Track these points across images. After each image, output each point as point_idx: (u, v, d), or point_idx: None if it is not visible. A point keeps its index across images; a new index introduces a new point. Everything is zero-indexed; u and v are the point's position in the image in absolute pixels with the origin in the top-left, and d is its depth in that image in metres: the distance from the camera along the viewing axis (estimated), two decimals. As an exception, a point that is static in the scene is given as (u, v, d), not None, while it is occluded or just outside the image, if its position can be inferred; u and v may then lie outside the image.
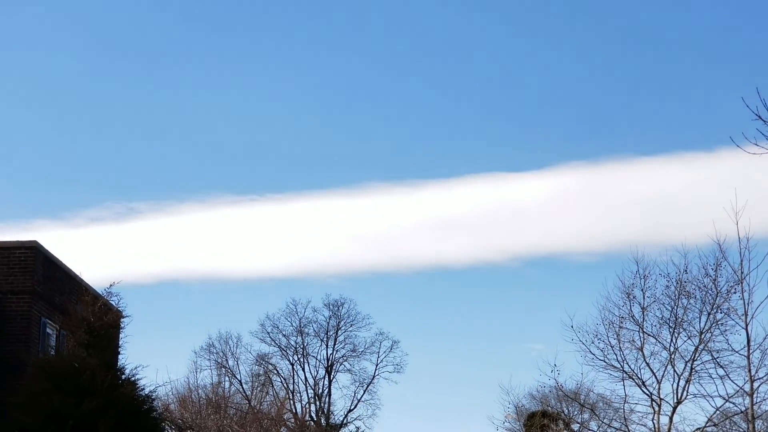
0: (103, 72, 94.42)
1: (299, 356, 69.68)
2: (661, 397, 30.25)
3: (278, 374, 68.55)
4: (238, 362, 66.90)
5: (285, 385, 68.05)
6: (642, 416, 31.02)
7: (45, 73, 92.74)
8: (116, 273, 76.13)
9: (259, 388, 64.10)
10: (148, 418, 23.08)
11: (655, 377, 30.37)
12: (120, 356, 25.44)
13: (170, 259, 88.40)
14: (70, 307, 24.57)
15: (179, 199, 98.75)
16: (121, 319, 25.67)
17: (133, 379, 23.31)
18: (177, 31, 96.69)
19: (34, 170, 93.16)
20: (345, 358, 70.75)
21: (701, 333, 29.42)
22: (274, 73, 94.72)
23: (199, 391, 50.74)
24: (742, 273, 27.12)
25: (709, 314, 29.23)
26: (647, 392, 30.49)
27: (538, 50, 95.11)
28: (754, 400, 26.81)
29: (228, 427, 41.43)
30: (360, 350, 70.72)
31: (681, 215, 67.31)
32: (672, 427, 29.88)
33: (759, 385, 26.92)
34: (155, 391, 24.94)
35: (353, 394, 70.03)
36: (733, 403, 28.52)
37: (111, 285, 24.87)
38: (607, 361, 31.03)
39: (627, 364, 30.69)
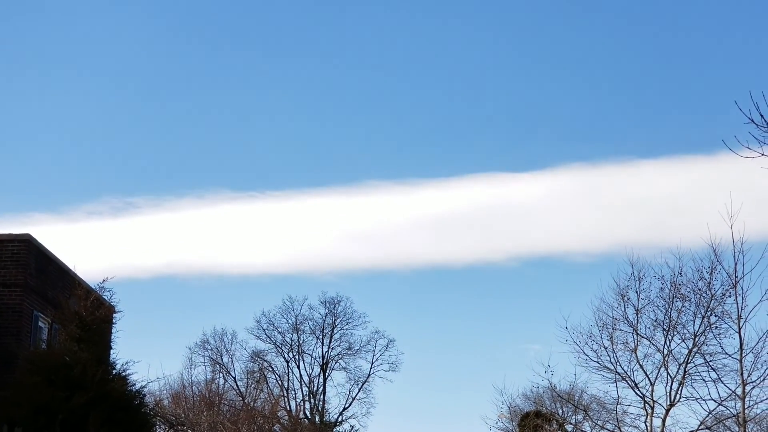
0: (102, 67, 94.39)
1: (294, 353, 69.72)
2: (654, 399, 30.23)
3: (273, 371, 68.59)
4: (233, 359, 66.96)
5: (279, 382, 68.07)
6: (635, 418, 31.02)
7: (43, 67, 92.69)
8: (113, 267, 75.72)
9: (253, 385, 64.07)
10: (139, 413, 23.06)
11: (648, 379, 30.36)
12: (112, 351, 25.46)
13: (167, 255, 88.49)
14: (62, 300, 24.52)
15: (178, 194, 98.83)
16: (114, 314, 25.63)
17: (124, 374, 23.30)
18: (176, 26, 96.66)
19: (32, 163, 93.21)
20: (340, 356, 70.80)
21: (695, 336, 29.40)
22: (275, 69, 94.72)
23: (193, 387, 50.72)
24: (735, 277, 27.13)
25: (703, 317, 29.21)
26: (640, 394, 30.48)
27: (539, 51, 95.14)
28: (747, 403, 26.79)
29: (220, 424, 41.37)
30: (355, 348, 70.79)
31: (679, 218, 67.33)
32: (665, 429, 29.85)
33: (751, 389, 26.92)
34: (146, 387, 24.95)
35: (348, 393, 70.08)
36: (726, 407, 28.52)
37: (104, 280, 24.85)
38: (600, 362, 31.02)
39: (620, 365, 30.69)
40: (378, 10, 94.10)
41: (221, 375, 63.83)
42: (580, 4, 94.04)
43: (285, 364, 69.18)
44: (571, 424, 41.23)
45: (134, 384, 23.49)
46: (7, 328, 25.13)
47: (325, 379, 69.81)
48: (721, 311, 28.36)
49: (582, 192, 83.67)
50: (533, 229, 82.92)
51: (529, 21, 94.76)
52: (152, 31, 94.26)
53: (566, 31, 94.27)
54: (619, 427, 31.38)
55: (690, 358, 29.53)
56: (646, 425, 30.16)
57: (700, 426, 29.55)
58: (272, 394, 63.25)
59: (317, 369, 69.96)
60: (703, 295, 29.09)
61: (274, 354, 69.26)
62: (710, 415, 29.25)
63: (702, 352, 29.20)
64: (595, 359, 31.01)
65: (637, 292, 30.60)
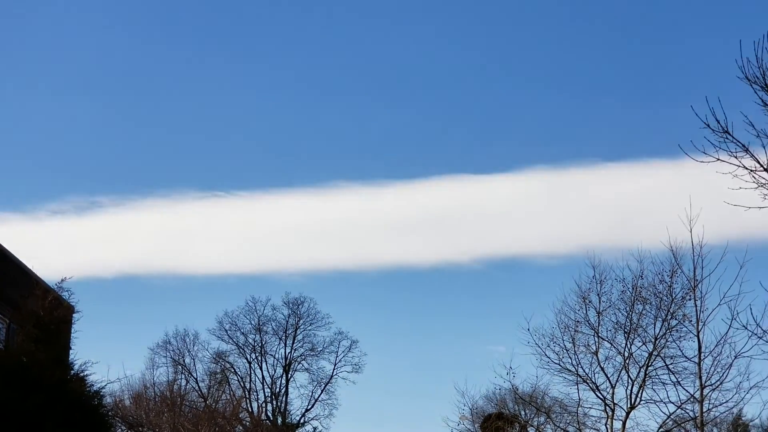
0: (67, 66, 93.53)
1: (257, 354, 69.37)
2: (615, 401, 30.32)
3: (235, 372, 68.21)
4: (195, 360, 66.50)
5: (242, 383, 67.70)
6: (596, 420, 31.10)
7: (7, 67, 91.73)
8: (76, 267, 75.17)
9: (215, 387, 63.68)
10: (97, 414, 22.78)
11: (609, 382, 30.45)
12: (71, 351, 25.14)
13: (132, 254, 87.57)
14: (20, 300, 24.18)
15: (142, 193, 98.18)
16: (73, 314, 25.32)
17: (82, 374, 23.02)
18: (142, 27, 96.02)
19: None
20: (303, 357, 70.54)
21: (655, 339, 29.52)
22: (243, 69, 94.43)
23: (155, 388, 50.33)
24: (695, 280, 27.27)
25: (663, 320, 29.34)
26: (601, 397, 30.57)
27: (504, 55, 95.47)
28: (705, 406, 26.92)
29: (181, 425, 41.07)
30: (318, 349, 70.54)
31: (643, 221, 67.76)
32: (625, 431, 29.94)
33: (710, 392, 27.04)
34: (105, 387, 24.65)
35: (311, 394, 69.84)
36: (685, 410, 28.66)
37: (63, 280, 24.55)
38: (562, 364, 31.07)
39: (581, 368, 30.76)
40: (345, 11, 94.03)
41: (183, 376, 63.41)
42: (545, 9, 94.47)
43: (247, 365, 68.90)
44: (533, 426, 41.28)
45: (93, 385, 23.24)
46: (-36, 329, 24.78)
47: (287, 381, 69.56)
48: (681, 315, 28.51)
49: (546, 194, 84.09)
50: (498, 231, 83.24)
51: (494, 25, 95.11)
52: (118, 31, 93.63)
53: (531, 35, 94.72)
54: (579, 430, 31.45)
55: (650, 360, 29.65)
56: (607, 427, 30.26)
57: (659, 429, 29.67)
58: (234, 395, 62.89)
59: (280, 370, 69.74)
60: (664, 298, 29.23)
61: (236, 355, 68.96)
62: (670, 418, 29.39)
63: (662, 355, 29.33)
64: (557, 361, 31.09)
65: (598, 294, 30.72)
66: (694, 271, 27.36)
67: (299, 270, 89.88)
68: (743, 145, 13.96)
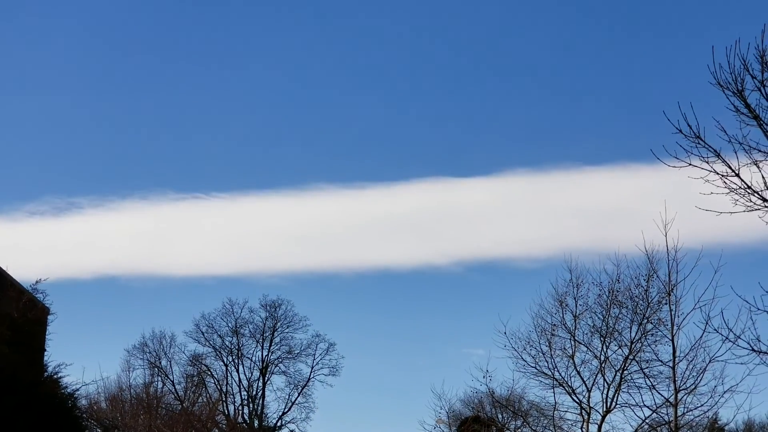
0: (44, 65, 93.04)
1: (234, 357, 69.14)
2: (591, 405, 30.38)
3: (212, 375, 67.95)
4: (171, 362, 66.23)
5: (218, 386, 67.44)
6: (572, 424, 31.14)
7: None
8: (54, 268, 74.85)
9: (192, 389, 63.43)
10: (70, 416, 22.69)
11: (585, 385, 30.49)
12: (45, 353, 25.01)
13: (110, 255, 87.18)
14: (-7, 302, 24.03)
15: (121, 194, 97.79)
16: (48, 316, 25.19)
17: (56, 376, 22.92)
18: (121, 27, 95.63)
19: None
20: (280, 359, 70.37)
21: (631, 343, 29.59)
22: (222, 72, 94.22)
23: (131, 390, 50.07)
24: (670, 284, 27.36)
25: (639, 324, 29.42)
26: (577, 400, 30.61)
27: (485, 57, 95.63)
28: (680, 410, 27.02)
29: (156, 428, 40.89)
30: (296, 352, 70.38)
31: (622, 225, 68.12)
32: (601, 435, 30.01)
33: (684, 396, 27.13)
34: (79, 390, 24.56)
35: (287, 397, 69.66)
36: (660, 414, 28.74)
37: (37, 281, 24.43)
38: (538, 368, 31.09)
39: (558, 371, 30.79)
40: (326, 13, 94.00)
41: (159, 378, 63.12)
42: (528, 13, 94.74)
43: (224, 367, 68.66)
44: (509, 430, 41.34)
45: (67, 387, 23.14)
46: (-64, 330, 24.52)
47: (264, 383, 69.36)
48: (657, 319, 28.61)
49: (527, 198, 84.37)
50: (478, 234, 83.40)
51: (475, 27, 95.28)
52: (96, 34, 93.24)
53: (512, 37, 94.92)
54: (555, 433, 31.47)
55: (626, 364, 29.72)
56: (582, 431, 30.31)
57: (635, 432, 29.75)
58: (211, 398, 62.68)
59: (257, 373, 69.51)
60: (640, 302, 29.32)
61: (213, 357, 68.72)
62: (645, 422, 29.47)
63: (638, 359, 29.41)
64: (533, 365, 31.10)
65: (575, 298, 30.76)
66: (669, 276, 27.47)
67: (278, 272, 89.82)
68: (715, 151, 14.06)
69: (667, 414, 27.99)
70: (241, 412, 67.24)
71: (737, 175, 14.24)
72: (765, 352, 16.12)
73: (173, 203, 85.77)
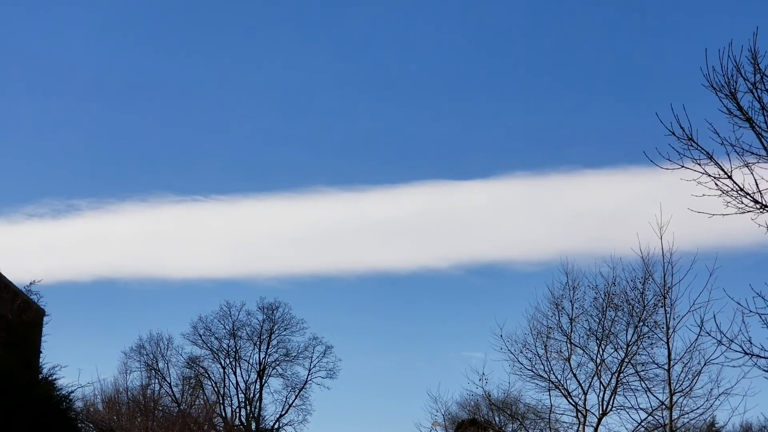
0: (43, 66, 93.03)
1: (231, 360, 69.15)
2: (587, 408, 30.38)
3: (209, 378, 67.93)
4: (169, 365, 66.20)
5: (215, 388, 67.43)
6: (568, 427, 31.15)
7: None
8: (52, 270, 74.90)
9: (189, 392, 63.40)
10: (65, 419, 22.66)
11: (581, 388, 30.52)
12: (41, 355, 24.99)
13: (108, 258, 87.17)
14: (-12, 304, 24.00)
15: (120, 197, 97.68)
16: (43, 317, 25.17)
17: (51, 378, 22.90)
18: (120, 28, 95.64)
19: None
20: (278, 362, 70.37)
21: (627, 346, 29.60)
22: (222, 74, 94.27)
23: (128, 392, 50.02)
24: (665, 287, 27.35)
25: (635, 327, 29.42)
26: (573, 403, 30.62)
27: (485, 60, 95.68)
28: (675, 413, 27.00)
29: (153, 430, 40.88)
30: (293, 355, 70.41)
31: (618, 228, 68.09)
32: (597, 437, 30.02)
33: (678, 398, 27.11)
34: (74, 392, 24.54)
35: (285, 399, 69.67)
36: (656, 417, 28.73)
37: (32, 283, 24.40)
38: (534, 371, 31.10)
39: (554, 374, 30.80)
40: (325, 16, 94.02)
41: (156, 381, 63.09)
42: (525, 18, 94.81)
43: (221, 370, 68.65)
44: (505, 433, 41.33)
45: (62, 389, 23.11)
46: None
47: (261, 386, 69.36)
48: (653, 322, 28.60)
49: (525, 201, 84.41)
50: (477, 237, 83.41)
51: (475, 33, 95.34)
52: (97, 35, 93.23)
53: (511, 41, 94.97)
54: (551, 436, 31.48)
55: (622, 367, 29.73)
56: (578, 434, 30.32)
57: (631, 435, 29.74)
58: (208, 400, 62.65)
59: (254, 375, 69.54)
60: (636, 305, 29.32)
61: (210, 360, 68.73)
62: (641, 425, 29.46)
63: (633, 362, 29.41)
64: (529, 368, 31.13)
65: (571, 301, 30.79)
66: (664, 279, 27.46)
67: (277, 274, 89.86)
68: (707, 153, 14.08)
69: (663, 417, 27.98)
70: (238, 414, 67.25)
71: (730, 177, 14.25)
72: (757, 355, 16.10)
73: (172, 205, 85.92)
